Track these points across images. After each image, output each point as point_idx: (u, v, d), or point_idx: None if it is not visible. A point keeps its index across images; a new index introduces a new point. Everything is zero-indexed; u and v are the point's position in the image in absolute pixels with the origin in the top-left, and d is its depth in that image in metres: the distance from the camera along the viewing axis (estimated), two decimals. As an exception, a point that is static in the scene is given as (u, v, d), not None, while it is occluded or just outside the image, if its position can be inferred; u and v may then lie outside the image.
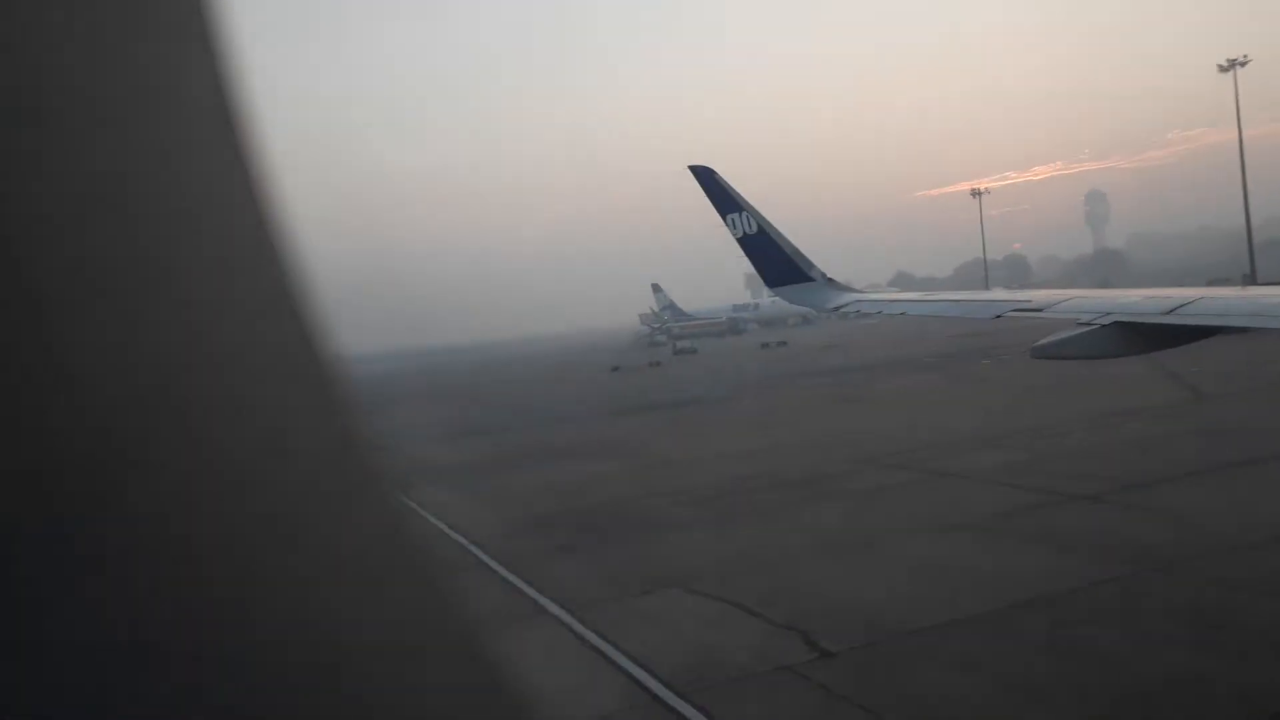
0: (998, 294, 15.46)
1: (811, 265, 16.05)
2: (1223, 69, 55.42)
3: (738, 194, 15.98)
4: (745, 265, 17.96)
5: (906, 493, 19.42)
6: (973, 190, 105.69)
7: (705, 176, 16.09)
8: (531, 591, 14.68)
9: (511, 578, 15.63)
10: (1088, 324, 10.58)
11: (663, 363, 79.21)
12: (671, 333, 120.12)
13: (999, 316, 12.57)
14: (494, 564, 16.68)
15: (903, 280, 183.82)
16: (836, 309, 16.20)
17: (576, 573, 15.84)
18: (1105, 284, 63.07)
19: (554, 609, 13.69)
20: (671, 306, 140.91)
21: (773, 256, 15.96)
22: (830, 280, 16.42)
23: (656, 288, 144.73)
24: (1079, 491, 17.57)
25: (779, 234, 16.07)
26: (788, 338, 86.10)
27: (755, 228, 15.87)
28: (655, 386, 55.56)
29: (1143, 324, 10.20)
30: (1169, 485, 17.23)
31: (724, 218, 16.03)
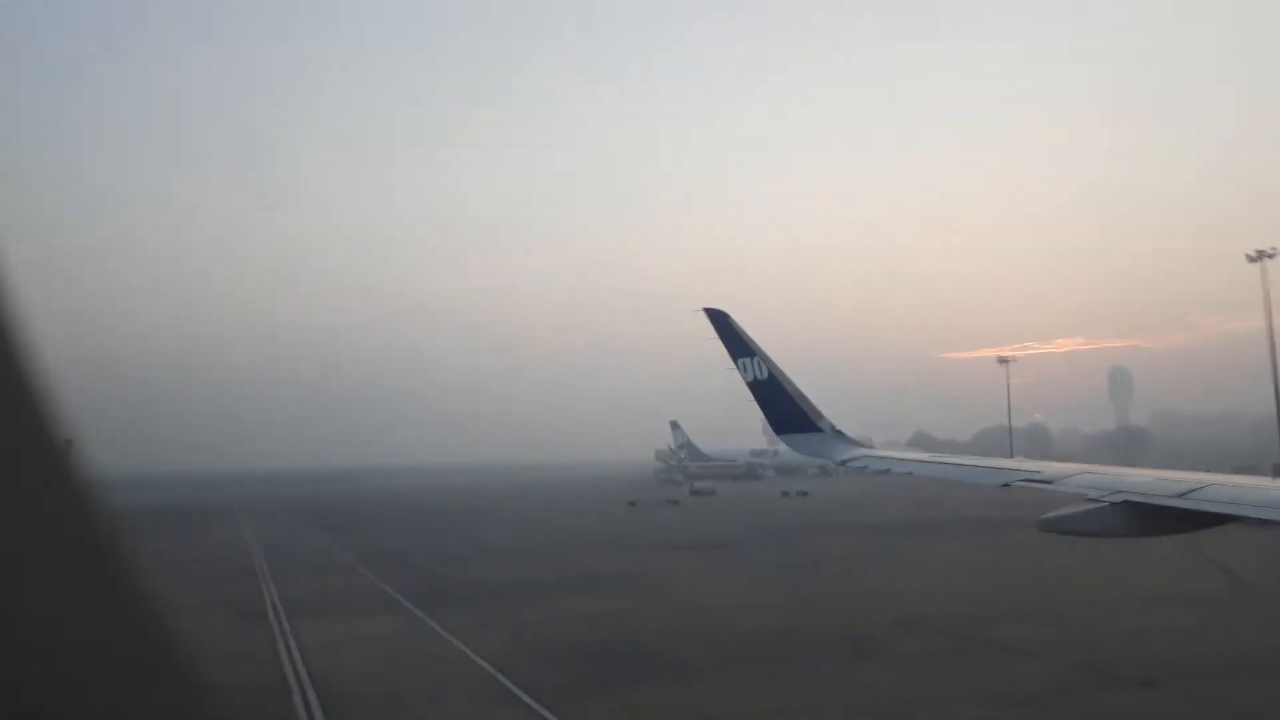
0: (1007, 462, 15.33)
1: (820, 416, 15.99)
2: (1251, 259, 56.80)
3: (750, 339, 16.14)
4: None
5: (952, 660, 18.91)
6: (999, 358, 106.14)
7: (719, 320, 16.38)
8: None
9: (545, 713, 15.25)
10: (1096, 500, 10.39)
11: (680, 502, 78.57)
12: (688, 471, 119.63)
13: (1006, 485, 12.34)
14: (525, 697, 16.29)
15: (922, 440, 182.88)
16: (843, 462, 15.77)
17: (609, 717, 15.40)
18: (1130, 461, 62.75)
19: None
20: (688, 445, 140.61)
21: (782, 404, 15.91)
22: (839, 433, 16.30)
23: (675, 425, 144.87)
24: (1129, 676, 17.10)
25: (790, 382, 16.07)
26: (806, 488, 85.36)
27: (766, 374, 15.93)
28: (675, 526, 55.00)
29: (1153, 505, 9.92)
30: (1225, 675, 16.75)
31: (735, 361, 16.18)
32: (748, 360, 16.01)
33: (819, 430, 15.97)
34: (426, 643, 21.83)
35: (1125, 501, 10.03)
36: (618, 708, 15.70)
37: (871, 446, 18.27)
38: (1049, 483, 11.66)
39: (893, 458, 16.68)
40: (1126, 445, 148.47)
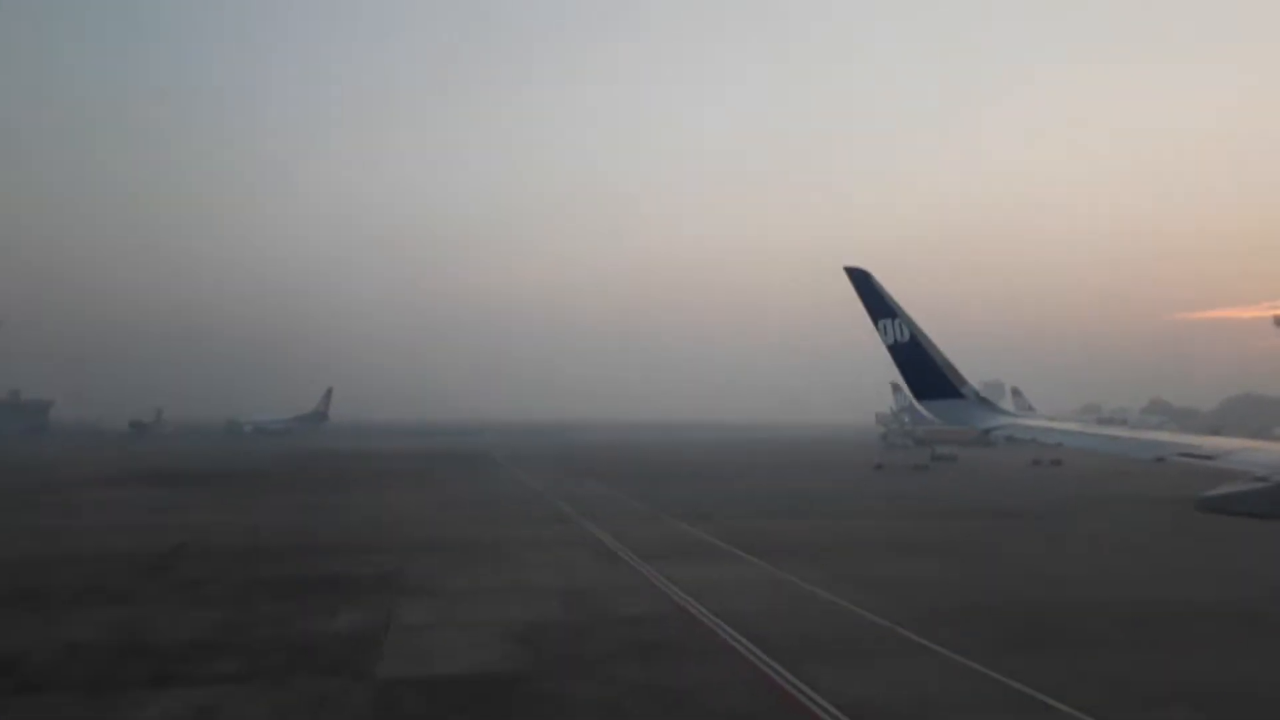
0: (1164, 435, 14.14)
1: (964, 381, 15.36)
2: None
3: (892, 299, 15.53)
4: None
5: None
6: (1276, 318, 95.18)
7: (861, 279, 15.75)
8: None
9: (977, 666, 15.49)
10: (1263, 479, 9.71)
11: (928, 467, 76.76)
12: (914, 435, 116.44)
13: (1161, 460, 11.56)
14: (950, 653, 16.59)
15: (1161, 409, 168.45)
16: (986, 430, 15.06)
17: (1053, 677, 15.43)
18: None
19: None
20: (910, 408, 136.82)
21: (924, 367, 15.31)
22: (983, 399, 15.62)
23: (896, 388, 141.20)
24: None
25: (932, 345, 15.43)
26: (1040, 457, 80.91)
27: (908, 336, 15.30)
28: (945, 492, 53.89)
29: None
30: None
31: (876, 323, 15.62)
32: (888, 321, 15.46)
33: (961, 396, 15.33)
34: (793, 589, 22.63)
35: None
36: (1065, 670, 15.66)
37: (1013, 414, 16.72)
38: (1210, 459, 10.98)
39: (1039, 427, 15.69)
40: None
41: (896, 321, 15.41)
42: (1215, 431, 47.41)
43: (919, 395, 15.84)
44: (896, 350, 15.46)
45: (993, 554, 29.66)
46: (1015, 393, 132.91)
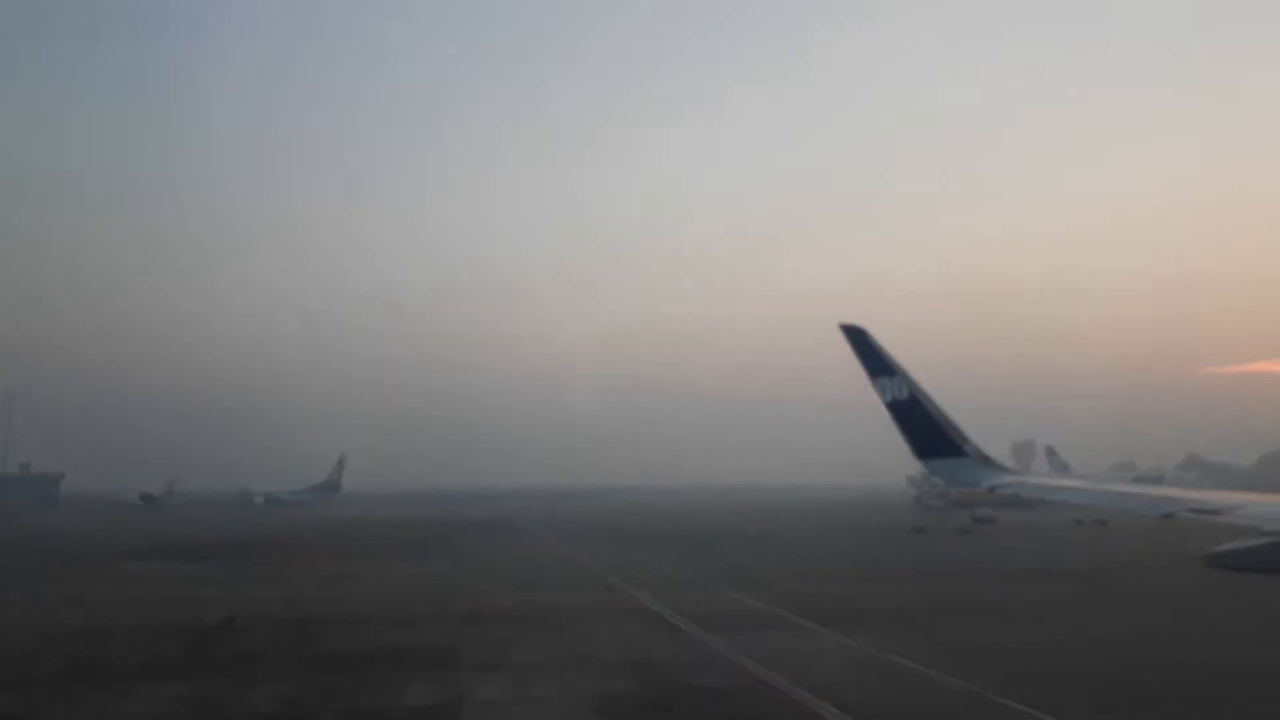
0: (1170, 491, 13.91)
1: (966, 439, 15.00)
2: None
3: (890, 357, 15.26)
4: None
5: None
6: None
7: (857, 337, 15.47)
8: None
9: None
10: (1272, 534, 9.76)
11: (970, 530, 75.23)
12: (947, 497, 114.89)
13: (1169, 516, 11.46)
14: (1044, 715, 15.75)
15: (1196, 465, 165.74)
16: (991, 489, 14.78)
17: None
18: None
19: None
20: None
21: (925, 426, 14.94)
22: (986, 457, 15.25)
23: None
24: None
25: (933, 403, 15.12)
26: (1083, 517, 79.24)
27: (906, 394, 15.01)
28: (997, 554, 52.69)
29: None
30: None
31: (873, 381, 15.33)
32: (886, 379, 15.17)
33: (964, 455, 14.95)
34: (867, 657, 21.73)
35: None
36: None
37: (1017, 472, 16.50)
38: (1216, 513, 10.97)
39: (1045, 485, 15.14)
40: None
41: (895, 379, 15.15)
42: (1251, 488, 46.41)
43: (921, 454, 15.41)
44: (895, 408, 15.17)
45: (1058, 615, 28.72)
46: (1050, 451, 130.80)
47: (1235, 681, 19.03)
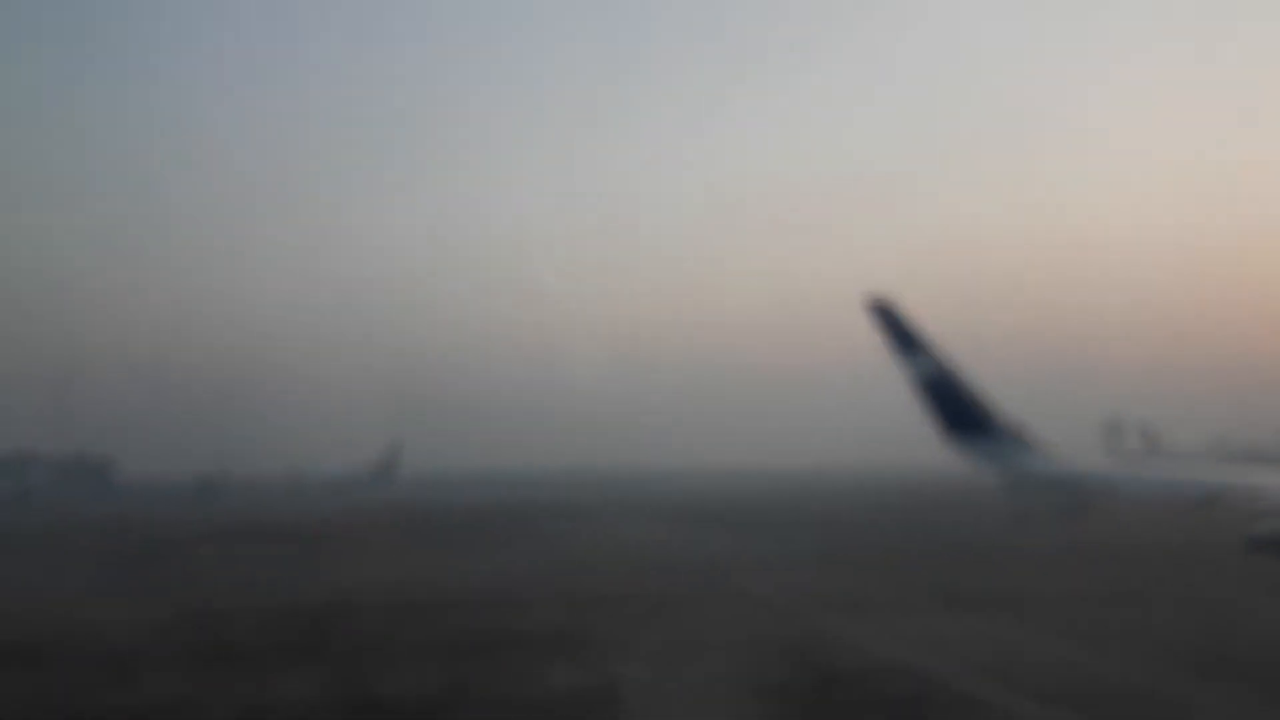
0: (1213, 474, 13.88)
1: (998, 416, 14.45)
2: None
3: (919, 332, 14.77)
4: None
5: None
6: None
7: (883, 313, 14.98)
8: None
9: None
10: None
11: (1076, 513, 73.05)
12: (1041, 479, 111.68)
13: (1210, 500, 11.61)
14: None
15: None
16: (1025, 470, 14.31)
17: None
18: None
19: None
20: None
21: (954, 402, 14.44)
22: (1019, 434, 14.62)
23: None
24: None
25: (963, 378, 14.63)
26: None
27: (935, 370, 14.58)
28: (1112, 536, 51.81)
29: None
30: None
31: (899, 357, 14.86)
32: (913, 356, 14.78)
33: (995, 431, 14.42)
34: (1005, 635, 21.49)
35: None
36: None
37: (1051, 452, 15.89)
38: (1261, 497, 11.01)
39: (1077, 467, 14.70)
40: None
41: (922, 356, 14.78)
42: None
43: (949, 431, 14.87)
44: (923, 385, 14.76)
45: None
46: (1144, 430, 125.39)
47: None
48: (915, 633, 22.36)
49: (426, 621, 25.75)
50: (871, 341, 14.93)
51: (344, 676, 19.03)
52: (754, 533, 55.84)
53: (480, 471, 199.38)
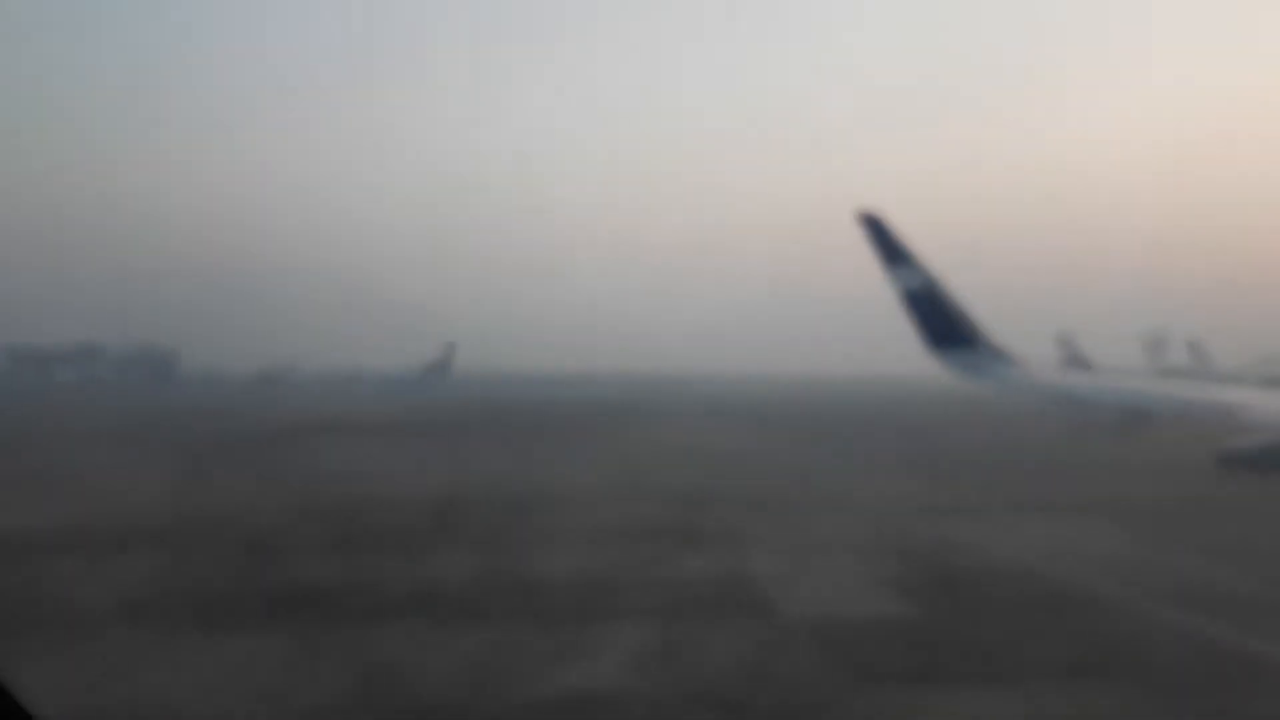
0: (1185, 386, 13.72)
1: (981, 330, 14.99)
2: None
3: (907, 246, 15.08)
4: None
5: None
6: None
7: (873, 226, 15.22)
8: None
9: None
10: None
11: (1130, 431, 72.79)
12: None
13: (1180, 413, 11.44)
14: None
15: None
16: (1004, 381, 14.68)
17: None
18: None
19: None
20: (1080, 360, 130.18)
21: (939, 316, 14.85)
22: (999, 349, 15.12)
23: (1064, 337, 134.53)
24: None
25: (948, 293, 15.07)
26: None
27: (921, 283, 14.93)
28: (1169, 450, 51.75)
29: None
30: None
31: (888, 270, 15.16)
32: (901, 269, 15.09)
33: (976, 345, 14.98)
34: (1100, 534, 21.95)
35: None
36: None
37: (1029, 364, 16.09)
38: (1235, 411, 10.66)
39: (1055, 379, 14.93)
40: None
41: (910, 269, 15.07)
42: None
43: (933, 344, 15.31)
44: (910, 298, 15.12)
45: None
46: (1191, 346, 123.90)
47: None
48: (1026, 539, 22.93)
49: (548, 512, 26.77)
50: (865, 254, 15.42)
51: (495, 564, 19.96)
52: (806, 437, 56.62)
53: (508, 372, 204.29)
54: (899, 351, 16.57)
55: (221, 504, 27.95)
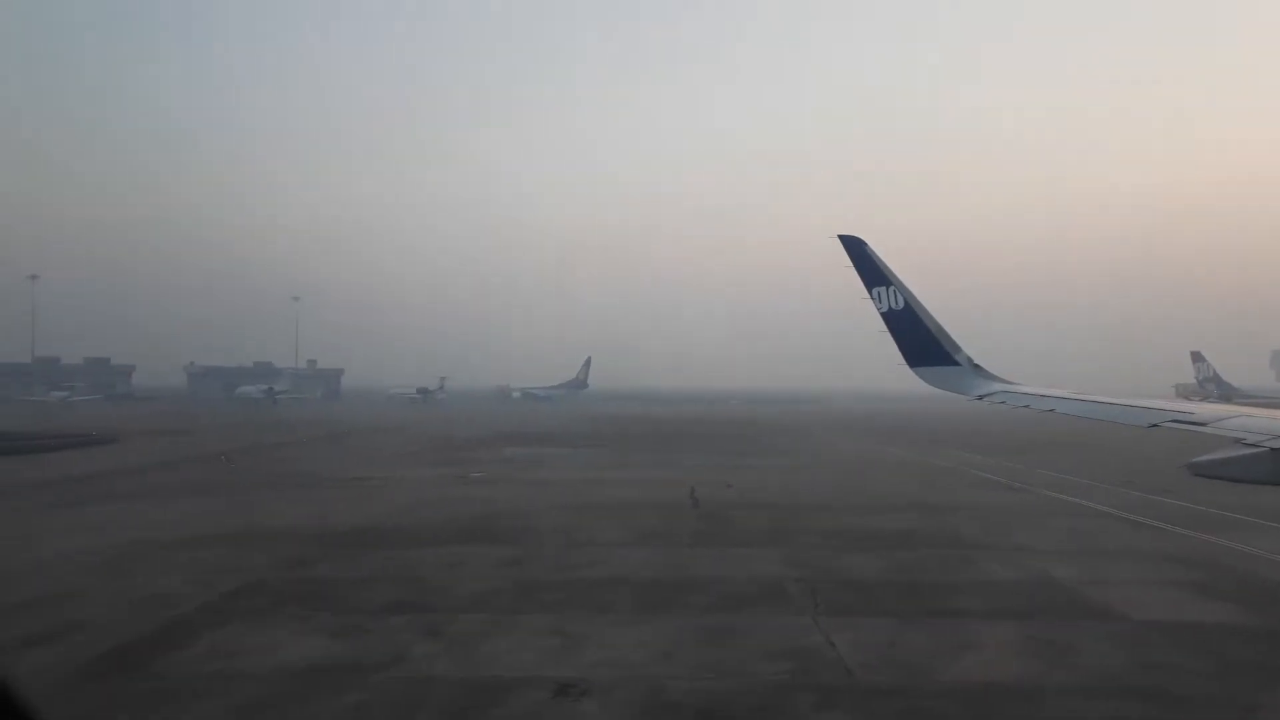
0: (1157, 402, 14.01)
1: (958, 348, 15.51)
2: None
3: (887, 268, 15.66)
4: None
5: None
6: None
7: (855, 247, 15.80)
8: None
9: None
10: (1253, 446, 9.97)
11: None
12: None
13: (1155, 426, 11.87)
14: None
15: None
16: (980, 398, 15.17)
17: None
18: None
19: None
20: (1217, 379, 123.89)
21: (917, 335, 15.45)
22: (976, 366, 15.68)
23: (1198, 357, 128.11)
24: None
25: (926, 313, 15.62)
26: None
27: (902, 303, 15.47)
28: None
29: None
30: None
31: (870, 291, 15.77)
32: (882, 289, 15.69)
33: (955, 364, 15.51)
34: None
35: None
36: None
37: (1008, 381, 16.41)
38: (1201, 425, 11.33)
39: (1033, 394, 15.48)
40: None
41: (890, 289, 15.68)
42: None
43: (913, 362, 16.11)
44: (890, 318, 15.75)
45: None
46: (1196, 357, 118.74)
47: None
48: None
49: (783, 514, 27.30)
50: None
51: (796, 558, 20.63)
52: (1009, 451, 55.26)
53: (626, 389, 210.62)
54: (888, 366, 17.26)
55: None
